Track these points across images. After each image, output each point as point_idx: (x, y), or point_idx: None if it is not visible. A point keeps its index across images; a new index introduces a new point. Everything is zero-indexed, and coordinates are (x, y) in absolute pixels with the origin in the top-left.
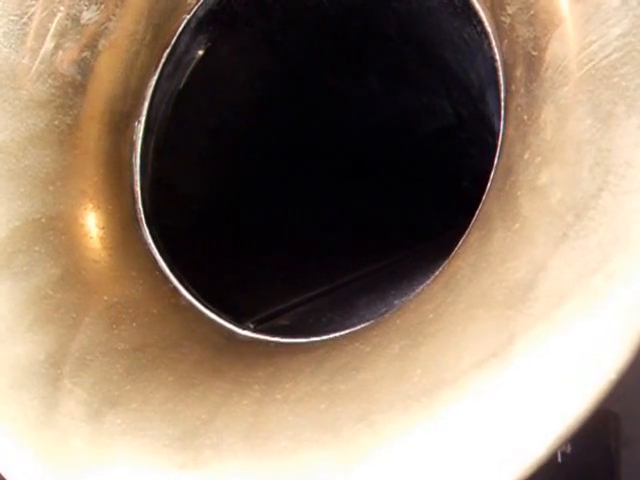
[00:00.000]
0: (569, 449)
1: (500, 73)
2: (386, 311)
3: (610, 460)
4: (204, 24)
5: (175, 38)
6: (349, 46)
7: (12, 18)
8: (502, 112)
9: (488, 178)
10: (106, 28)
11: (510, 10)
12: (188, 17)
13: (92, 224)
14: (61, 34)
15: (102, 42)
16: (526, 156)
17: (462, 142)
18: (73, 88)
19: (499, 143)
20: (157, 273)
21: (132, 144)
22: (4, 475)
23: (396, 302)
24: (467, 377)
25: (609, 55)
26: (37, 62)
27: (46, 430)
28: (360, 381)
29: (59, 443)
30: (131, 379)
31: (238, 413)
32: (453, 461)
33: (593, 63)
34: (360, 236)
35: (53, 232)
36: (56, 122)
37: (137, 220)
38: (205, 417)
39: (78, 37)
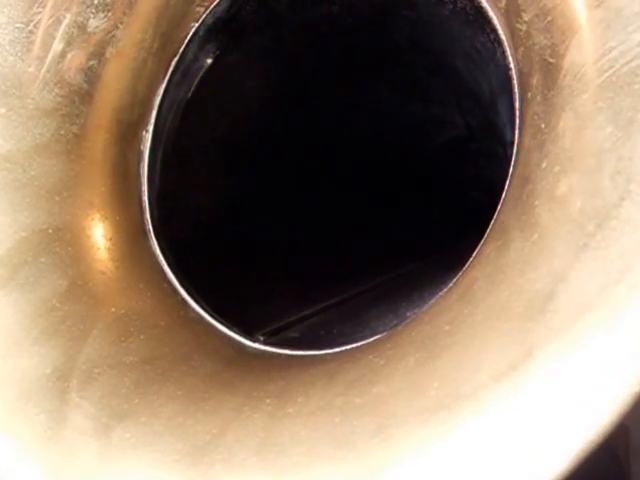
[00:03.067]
0: None
1: (515, 81)
2: (398, 323)
3: (620, 472)
4: (213, 32)
5: (183, 46)
6: (359, 55)
7: (18, 26)
8: (517, 121)
9: (499, 188)
10: (113, 36)
11: (526, 17)
12: (196, 25)
13: (99, 235)
14: (68, 42)
15: (109, 50)
16: (544, 165)
17: (472, 152)
18: (80, 97)
19: (514, 152)
20: (165, 285)
21: (140, 154)
22: None
23: (408, 314)
24: (486, 390)
25: (630, 62)
26: (43, 70)
27: (53, 445)
28: (375, 394)
29: (67, 458)
30: (140, 392)
31: (249, 427)
32: (471, 477)
33: (613, 70)
34: (368, 247)
35: (60, 243)
36: (62, 131)
37: (145, 231)
38: (216, 431)
39: (85, 45)
